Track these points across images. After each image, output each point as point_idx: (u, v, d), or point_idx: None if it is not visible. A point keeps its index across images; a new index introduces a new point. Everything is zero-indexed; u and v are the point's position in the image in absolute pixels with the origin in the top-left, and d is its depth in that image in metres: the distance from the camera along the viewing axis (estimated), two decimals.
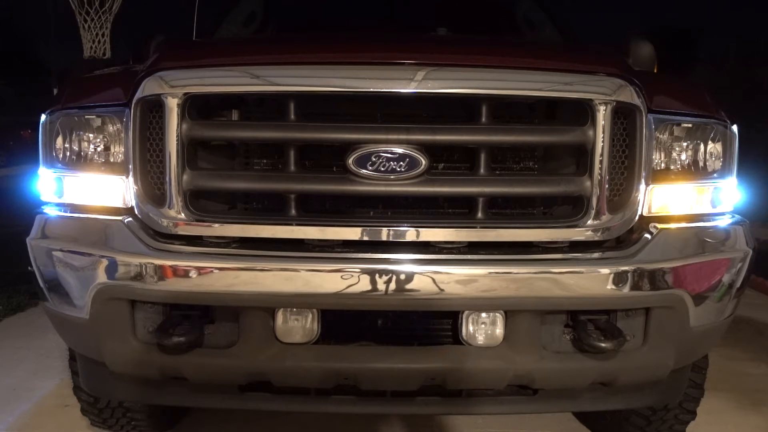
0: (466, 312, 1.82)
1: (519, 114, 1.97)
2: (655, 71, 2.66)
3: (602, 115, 1.78)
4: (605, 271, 1.80)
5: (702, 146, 1.95)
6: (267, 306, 1.80)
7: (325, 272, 1.74)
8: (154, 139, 1.84)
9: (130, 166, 1.85)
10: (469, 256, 1.81)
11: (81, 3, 9.63)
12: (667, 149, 1.92)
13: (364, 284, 1.73)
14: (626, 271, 1.80)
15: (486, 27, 3.61)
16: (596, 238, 1.85)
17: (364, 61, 1.83)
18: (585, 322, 1.86)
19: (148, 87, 1.81)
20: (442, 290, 1.74)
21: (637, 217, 1.88)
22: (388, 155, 1.76)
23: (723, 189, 1.98)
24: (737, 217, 2.05)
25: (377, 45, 1.99)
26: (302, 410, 2.14)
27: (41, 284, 1.96)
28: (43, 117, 1.99)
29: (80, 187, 1.94)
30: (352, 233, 1.82)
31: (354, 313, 1.92)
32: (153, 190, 1.85)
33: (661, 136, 1.91)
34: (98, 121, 1.91)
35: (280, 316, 1.82)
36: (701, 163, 1.95)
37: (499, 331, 1.83)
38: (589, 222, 1.83)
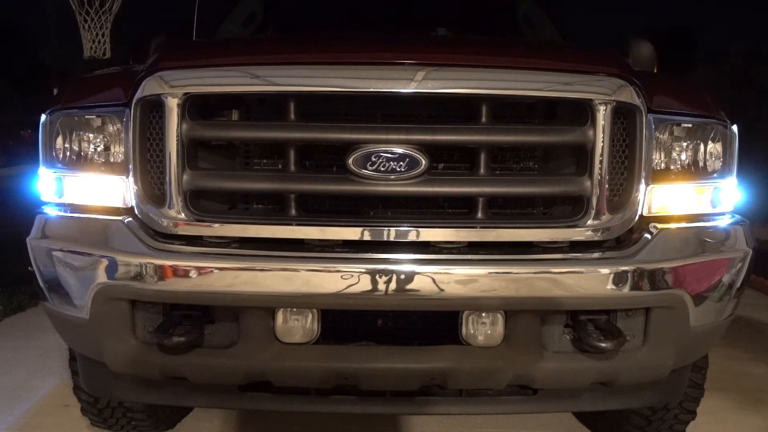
0: (466, 312, 1.82)
1: (519, 114, 1.97)
2: (655, 71, 2.66)
3: (602, 115, 1.78)
4: (605, 271, 1.80)
5: (702, 146, 1.95)
6: (267, 306, 1.80)
7: (325, 272, 1.74)
8: (154, 139, 1.84)
9: (130, 166, 1.85)
10: (469, 256, 1.81)
11: (81, 3, 9.62)
12: (667, 149, 1.92)
13: (364, 284, 1.73)
14: (626, 271, 1.80)
15: (486, 27, 3.61)
16: (596, 238, 1.85)
17: (364, 61, 1.83)
18: (585, 322, 1.86)
19: (148, 87, 1.81)
20: (442, 290, 1.74)
21: (637, 217, 1.88)
22: (388, 155, 1.76)
23: (723, 189, 1.98)
24: (737, 217, 2.05)
25: (377, 45, 1.99)
26: (302, 410, 2.13)
27: (41, 284, 1.96)
28: (43, 117, 1.99)
29: (80, 187, 1.94)
30: (352, 233, 1.82)
31: (354, 313, 1.93)
32: (153, 190, 1.85)
33: (661, 136, 1.91)
34: (98, 121, 1.91)
35: (280, 316, 1.82)
36: (701, 163, 1.95)
37: (499, 331, 1.83)
38: (589, 222, 1.83)
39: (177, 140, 1.78)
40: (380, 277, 1.73)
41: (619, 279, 1.79)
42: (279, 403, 2.06)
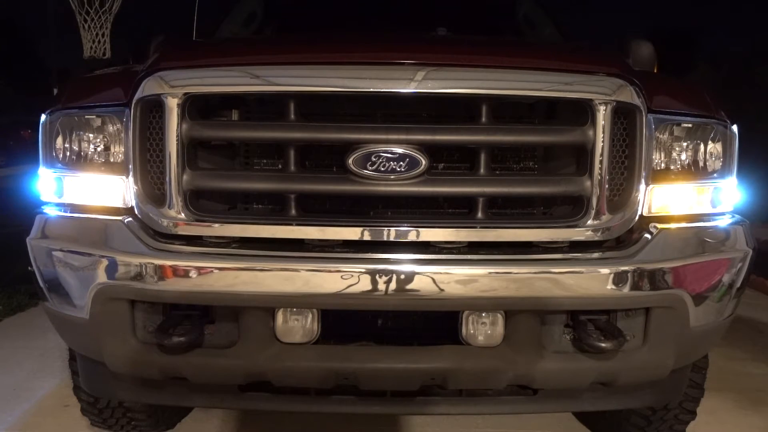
0: (466, 312, 1.82)
1: (519, 114, 1.97)
2: (655, 71, 2.66)
3: (602, 115, 1.78)
4: (605, 271, 1.80)
5: (702, 146, 1.95)
6: (267, 306, 1.80)
7: (325, 272, 1.74)
8: (154, 139, 1.84)
9: (130, 166, 1.85)
10: (469, 256, 1.81)
11: (81, 3, 9.63)
12: (667, 149, 1.92)
13: (364, 284, 1.73)
14: (626, 271, 1.80)
15: (486, 27, 3.61)
16: (596, 238, 1.85)
17: (364, 61, 1.83)
18: (585, 322, 1.86)
19: (148, 87, 1.81)
20: (442, 290, 1.74)
21: (637, 217, 1.88)
22: (388, 155, 1.76)
23: (723, 189, 1.98)
24: (737, 217, 2.05)
25: (377, 45, 1.99)
26: (302, 410, 2.13)
27: (41, 284, 1.96)
28: (43, 117, 1.99)
29: (80, 187, 1.94)
30: (352, 233, 1.82)
31: (354, 313, 1.93)
32: (153, 190, 1.85)
33: (661, 136, 1.91)
34: (98, 121, 1.91)
35: (280, 316, 1.82)
36: (701, 163, 1.95)
37: (499, 331, 1.83)
38: (589, 222, 1.83)
39: (177, 140, 1.78)
40: (380, 277, 1.73)
41: (619, 279, 1.79)
42: (279, 403, 2.06)
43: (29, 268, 1.98)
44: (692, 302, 1.85)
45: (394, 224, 1.83)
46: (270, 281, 1.75)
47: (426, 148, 1.78)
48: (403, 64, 1.80)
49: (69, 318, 1.92)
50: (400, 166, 1.76)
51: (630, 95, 1.81)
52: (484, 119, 1.81)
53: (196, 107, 1.82)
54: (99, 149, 1.92)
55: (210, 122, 1.88)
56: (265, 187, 1.87)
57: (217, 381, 1.94)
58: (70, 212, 1.96)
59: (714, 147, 1.95)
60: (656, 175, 1.91)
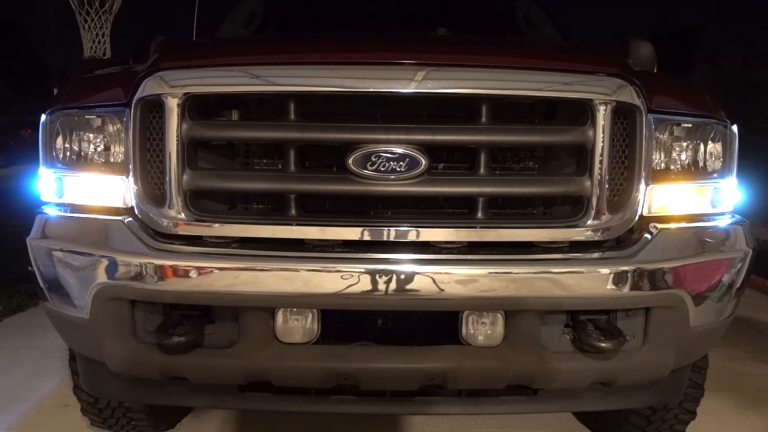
0: (466, 312, 1.82)
1: (519, 114, 1.97)
2: (655, 71, 2.66)
3: (602, 115, 1.78)
4: (605, 271, 1.80)
5: (702, 146, 1.95)
6: (267, 306, 1.80)
7: (325, 272, 1.74)
8: (154, 139, 1.84)
9: (130, 166, 1.85)
10: (469, 256, 1.81)
11: (81, 3, 9.61)
12: (667, 149, 1.92)
13: (364, 284, 1.73)
14: (626, 271, 1.80)
15: (486, 27, 3.61)
16: (596, 238, 1.85)
17: (364, 61, 1.83)
18: (585, 322, 1.86)
19: (148, 87, 1.81)
20: (442, 290, 1.74)
21: (637, 217, 1.88)
22: (388, 155, 1.76)
23: (723, 189, 1.98)
24: (737, 217, 2.05)
25: (377, 45, 1.99)
26: (302, 410, 2.13)
27: (41, 284, 1.96)
28: (43, 117, 1.99)
29: (80, 187, 1.94)
30: (352, 233, 1.82)
31: (354, 313, 1.93)
32: (153, 190, 1.85)
33: (661, 136, 1.91)
34: (98, 121, 1.91)
35: (280, 316, 1.82)
36: (701, 163, 1.95)
37: (499, 331, 1.83)
38: (589, 222, 1.83)
39: (177, 140, 1.78)
40: (380, 277, 1.73)
41: (619, 279, 1.79)
42: (279, 403, 2.06)
43: (29, 268, 1.98)
44: (692, 302, 1.85)
45: (394, 224, 1.83)
46: (270, 281, 1.75)
47: (426, 148, 1.78)
48: (403, 64, 1.80)
49: (69, 318, 1.92)
50: (400, 166, 1.76)
51: (630, 95, 1.81)
52: (483, 119, 1.81)
53: (196, 107, 1.82)
54: (99, 149, 1.92)
55: (210, 122, 1.88)
56: (265, 187, 1.87)
57: (217, 381, 1.94)
58: (70, 212, 1.96)
59: (714, 147, 1.96)
60: (656, 175, 1.91)
